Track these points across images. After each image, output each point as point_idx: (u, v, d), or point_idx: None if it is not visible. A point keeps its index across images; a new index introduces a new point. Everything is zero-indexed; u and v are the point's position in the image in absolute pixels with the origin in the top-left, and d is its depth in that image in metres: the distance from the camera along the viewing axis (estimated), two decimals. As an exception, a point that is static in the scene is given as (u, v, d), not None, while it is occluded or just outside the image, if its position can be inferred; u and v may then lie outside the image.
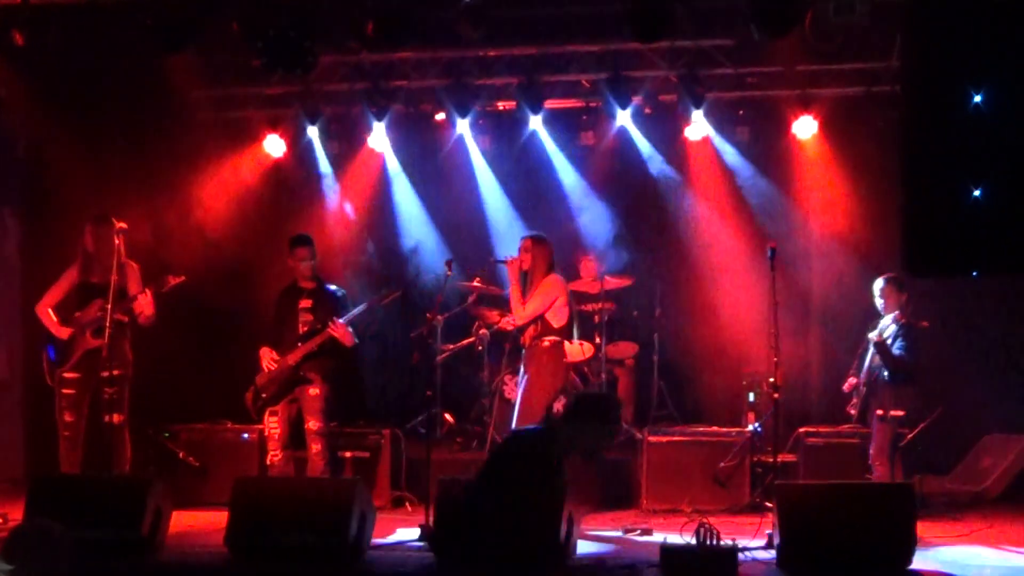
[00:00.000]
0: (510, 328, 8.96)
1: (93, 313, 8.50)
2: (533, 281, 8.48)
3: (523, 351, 8.65)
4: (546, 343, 8.48)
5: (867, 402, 8.61)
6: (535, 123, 10.78)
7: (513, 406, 9.12)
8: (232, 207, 10.91)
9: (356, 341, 8.58)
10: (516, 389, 8.96)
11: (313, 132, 11.01)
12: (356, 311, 8.56)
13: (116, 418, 8.36)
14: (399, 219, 11.41)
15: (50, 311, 8.65)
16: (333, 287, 8.91)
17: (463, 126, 10.89)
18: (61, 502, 7.13)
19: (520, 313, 8.47)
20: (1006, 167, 8.37)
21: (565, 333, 8.60)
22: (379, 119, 10.62)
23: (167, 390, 9.78)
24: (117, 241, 8.19)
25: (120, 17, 8.80)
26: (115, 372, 8.28)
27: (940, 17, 8.42)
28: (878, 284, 8.68)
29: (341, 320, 8.45)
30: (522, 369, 8.62)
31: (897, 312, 8.51)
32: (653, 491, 8.98)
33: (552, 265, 8.56)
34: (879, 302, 8.67)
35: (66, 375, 8.55)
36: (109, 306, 8.07)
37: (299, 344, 8.58)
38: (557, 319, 8.48)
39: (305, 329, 8.64)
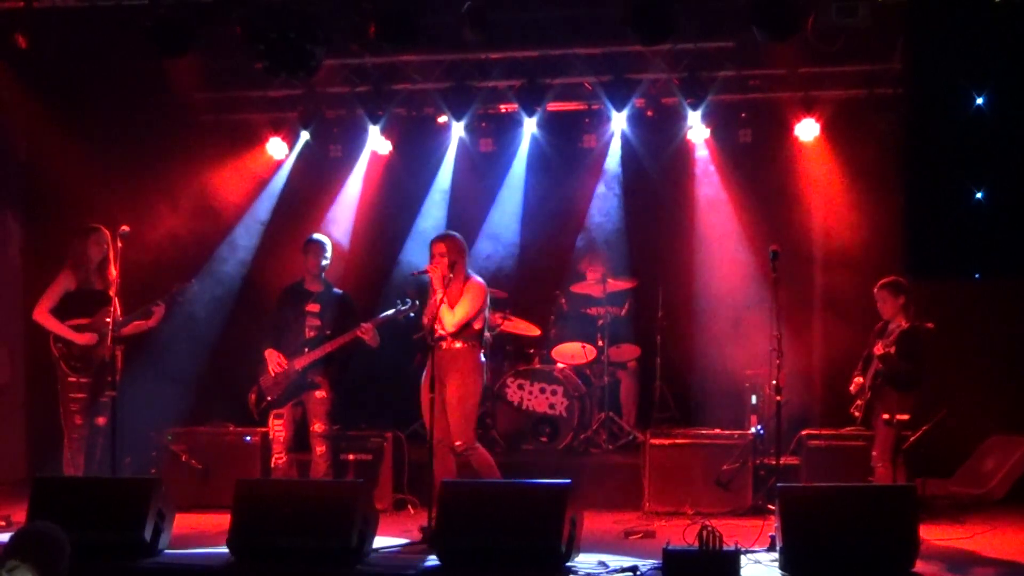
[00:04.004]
0: (443, 334, 8.11)
1: (103, 320, 8.55)
2: (453, 283, 8.06)
3: (433, 353, 8.07)
4: (465, 345, 8.13)
5: (871, 405, 8.58)
6: (537, 126, 10.78)
7: (515, 408, 9.16)
8: (234, 210, 10.92)
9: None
10: (454, 392, 8.36)
11: (316, 135, 11.01)
12: (383, 316, 8.53)
13: (103, 420, 8.51)
14: (402, 222, 11.37)
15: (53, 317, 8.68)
16: (340, 291, 8.91)
17: (465, 129, 10.89)
18: (64, 504, 7.12)
19: (451, 320, 8.04)
20: (1008, 169, 8.36)
21: (480, 336, 8.27)
22: (380, 122, 10.62)
23: (169, 392, 9.77)
24: (121, 244, 8.24)
25: (122, 20, 8.79)
26: (115, 378, 8.41)
27: (942, 19, 8.42)
28: (876, 289, 8.66)
29: (368, 323, 8.47)
30: (433, 373, 8.06)
31: (901, 317, 8.49)
32: (655, 494, 8.98)
33: (467, 264, 8.26)
34: (879, 306, 8.66)
35: (82, 380, 8.61)
36: (119, 315, 8.36)
37: (307, 349, 8.58)
38: (477, 321, 8.18)
39: (313, 334, 8.64)
